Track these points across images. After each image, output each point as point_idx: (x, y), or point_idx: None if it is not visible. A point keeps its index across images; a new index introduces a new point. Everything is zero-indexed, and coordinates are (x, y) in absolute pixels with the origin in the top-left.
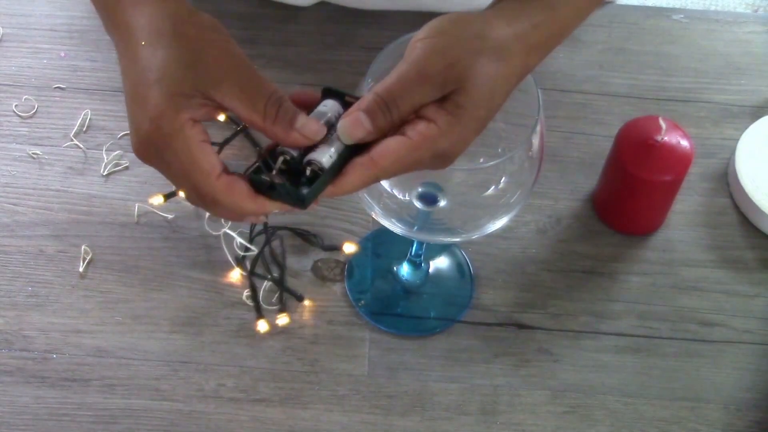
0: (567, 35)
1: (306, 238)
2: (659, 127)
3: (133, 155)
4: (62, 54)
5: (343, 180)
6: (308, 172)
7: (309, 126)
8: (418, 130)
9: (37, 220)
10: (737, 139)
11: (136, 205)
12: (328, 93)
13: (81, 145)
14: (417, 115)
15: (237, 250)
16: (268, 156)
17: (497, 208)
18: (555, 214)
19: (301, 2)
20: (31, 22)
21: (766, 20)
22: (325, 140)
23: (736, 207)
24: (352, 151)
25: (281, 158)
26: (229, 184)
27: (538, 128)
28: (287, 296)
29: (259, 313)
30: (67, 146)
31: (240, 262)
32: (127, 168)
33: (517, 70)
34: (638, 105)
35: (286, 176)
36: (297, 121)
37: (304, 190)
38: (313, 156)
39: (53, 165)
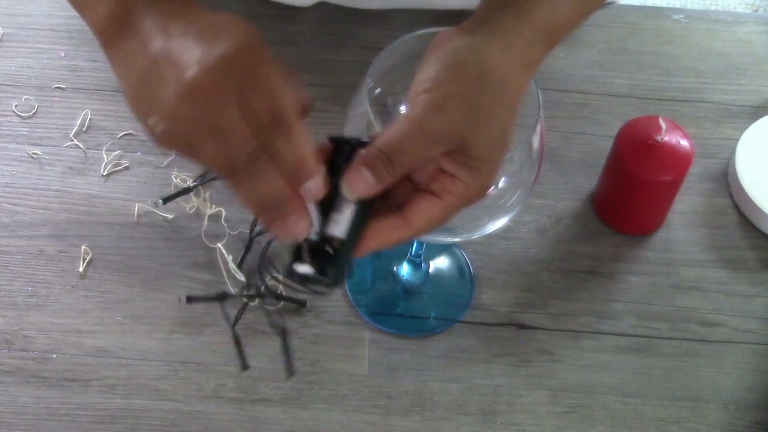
0: (561, 39)
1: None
2: (659, 127)
3: (132, 155)
4: (62, 54)
5: (376, 239)
6: (330, 250)
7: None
8: (445, 188)
9: (37, 220)
10: (737, 139)
11: (136, 205)
12: (336, 143)
13: (81, 145)
14: (439, 168)
15: (231, 267)
16: (295, 250)
17: (497, 208)
18: (555, 214)
19: (301, 2)
20: (31, 22)
21: (766, 20)
22: (337, 207)
23: (736, 207)
24: (368, 205)
25: (305, 245)
26: (305, 131)
27: (538, 128)
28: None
29: (244, 364)
30: (67, 146)
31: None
32: (127, 168)
33: (520, 93)
34: (638, 105)
35: (316, 258)
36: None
37: (330, 273)
38: (329, 231)
39: (53, 165)
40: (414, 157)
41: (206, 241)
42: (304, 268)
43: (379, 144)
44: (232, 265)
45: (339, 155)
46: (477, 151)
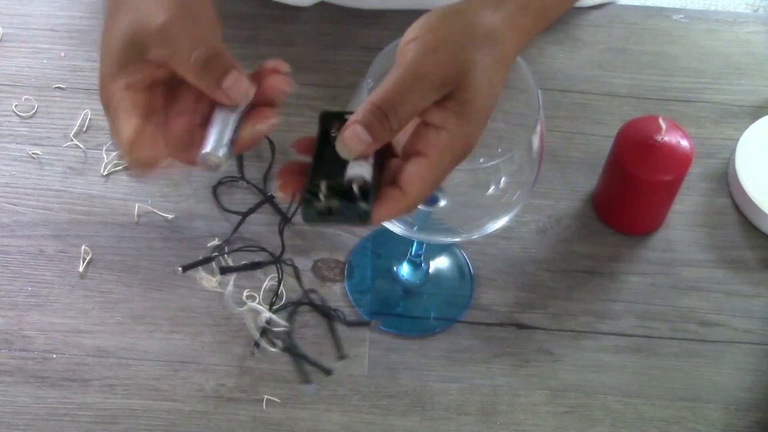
0: (554, 16)
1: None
2: (659, 127)
3: None
4: (62, 54)
5: (377, 212)
6: (356, 189)
7: (238, 86)
8: (431, 143)
9: (37, 220)
10: (737, 139)
11: (136, 205)
12: (326, 117)
13: (81, 145)
14: (423, 122)
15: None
16: (309, 187)
17: (497, 208)
18: (555, 214)
19: (301, 2)
20: (31, 22)
21: (766, 20)
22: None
23: (736, 207)
24: (379, 162)
25: (323, 183)
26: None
27: (538, 128)
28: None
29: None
30: (67, 146)
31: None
32: (127, 168)
33: (510, 52)
34: (638, 105)
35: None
36: (226, 79)
37: (363, 205)
38: (354, 172)
39: (53, 165)
40: (411, 108)
41: (233, 305)
42: (327, 203)
43: (374, 99)
44: (267, 315)
45: (332, 129)
46: (467, 94)
